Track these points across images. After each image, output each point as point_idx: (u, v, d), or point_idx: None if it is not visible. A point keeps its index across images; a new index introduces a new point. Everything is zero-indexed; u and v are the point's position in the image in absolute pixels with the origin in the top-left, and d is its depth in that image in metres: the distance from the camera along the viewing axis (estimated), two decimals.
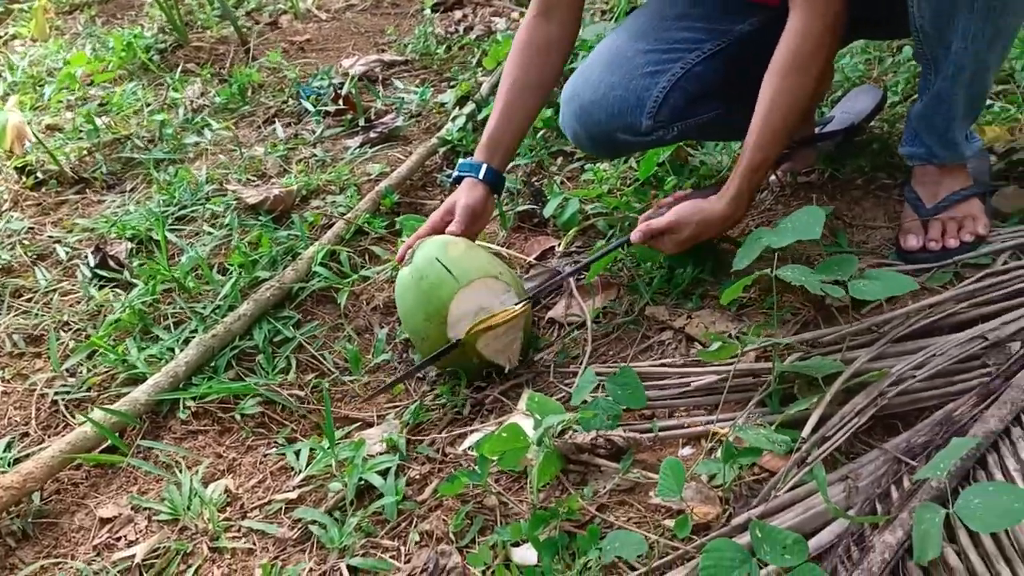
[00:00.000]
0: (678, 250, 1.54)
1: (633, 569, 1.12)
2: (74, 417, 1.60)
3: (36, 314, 1.88)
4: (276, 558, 1.28)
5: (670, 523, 1.17)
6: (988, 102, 1.99)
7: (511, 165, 2.19)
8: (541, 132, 2.31)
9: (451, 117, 2.49)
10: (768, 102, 1.42)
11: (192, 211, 2.20)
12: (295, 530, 1.32)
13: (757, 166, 1.46)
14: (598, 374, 1.43)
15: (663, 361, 1.48)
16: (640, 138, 1.61)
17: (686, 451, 1.31)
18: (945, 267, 1.50)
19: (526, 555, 1.18)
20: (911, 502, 1.07)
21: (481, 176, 1.67)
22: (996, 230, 1.54)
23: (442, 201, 2.14)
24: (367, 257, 1.98)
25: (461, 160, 1.74)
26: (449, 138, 2.38)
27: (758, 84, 1.59)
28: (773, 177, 1.88)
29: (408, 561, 1.22)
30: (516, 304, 1.51)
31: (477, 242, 1.69)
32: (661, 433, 1.32)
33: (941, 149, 1.50)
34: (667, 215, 1.50)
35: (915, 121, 1.50)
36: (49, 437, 1.57)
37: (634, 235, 1.52)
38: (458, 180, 1.71)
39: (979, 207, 1.53)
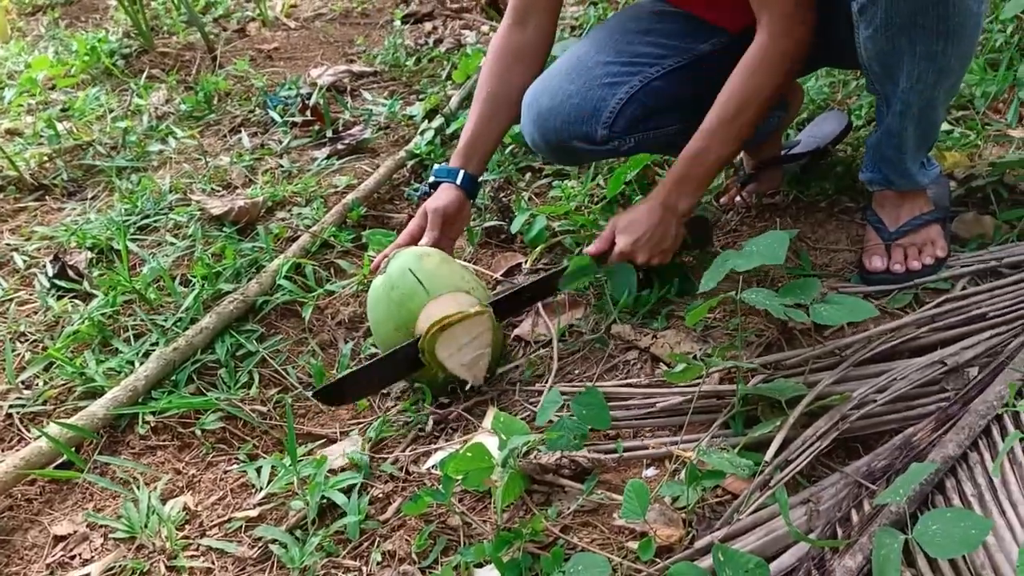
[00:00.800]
0: (633, 245, 1.54)
1: None
2: (29, 431, 1.56)
3: None
4: None
5: (633, 545, 1.17)
6: (948, 128, 2.03)
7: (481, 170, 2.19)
8: (509, 147, 2.31)
9: (419, 130, 2.49)
10: (725, 97, 1.46)
11: (154, 221, 2.17)
12: (255, 549, 1.30)
13: (696, 153, 1.49)
14: (563, 393, 1.42)
15: (628, 381, 1.49)
16: (596, 147, 1.62)
17: (650, 472, 1.31)
18: (906, 290, 1.52)
19: None
20: (871, 526, 1.08)
21: (458, 181, 1.69)
22: (955, 255, 1.57)
23: (409, 215, 2.15)
24: (333, 271, 1.96)
25: (437, 166, 1.75)
26: (417, 151, 2.38)
27: None
28: (739, 198, 1.90)
29: None
30: (479, 311, 1.49)
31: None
32: (625, 454, 1.32)
33: (897, 178, 1.53)
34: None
35: (872, 151, 1.54)
36: (3, 451, 1.53)
37: (589, 248, 1.58)
38: (434, 186, 1.71)
39: (939, 231, 1.56)
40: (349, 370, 1.56)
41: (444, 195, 1.68)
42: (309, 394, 1.58)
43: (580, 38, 2.78)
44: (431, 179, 1.73)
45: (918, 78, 1.36)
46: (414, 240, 1.66)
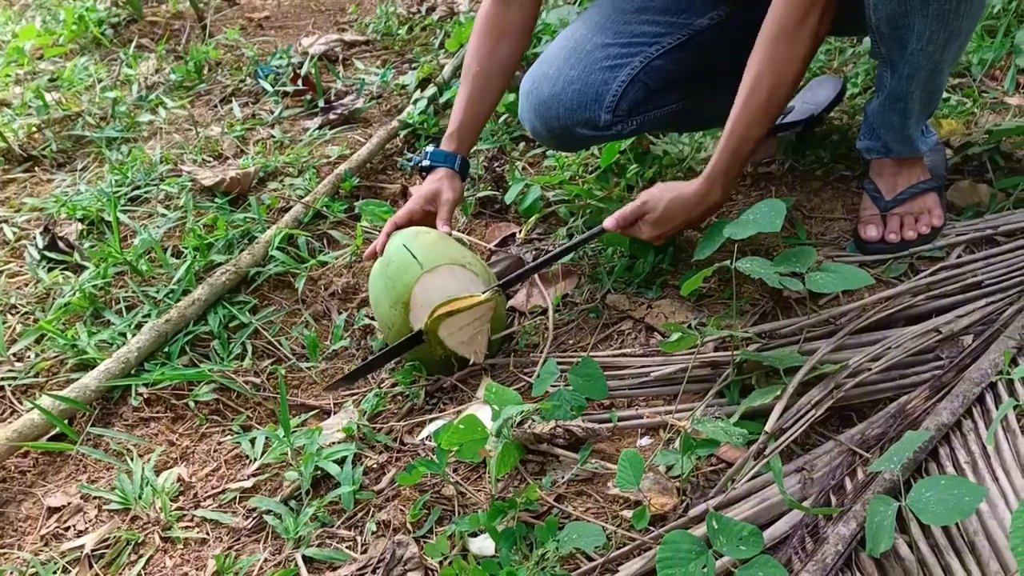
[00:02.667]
0: (657, 233, 1.47)
1: (590, 559, 1.12)
2: (21, 403, 1.56)
3: None
4: (230, 548, 1.26)
5: (627, 513, 1.18)
6: (945, 95, 2.01)
7: (471, 150, 2.18)
8: (503, 117, 2.29)
9: (412, 100, 2.47)
10: (754, 76, 1.37)
11: (145, 192, 2.15)
12: (250, 520, 1.31)
13: (739, 144, 1.40)
14: (559, 364, 1.42)
15: (623, 351, 1.48)
16: (599, 132, 1.60)
17: (644, 441, 1.31)
18: (901, 258, 1.52)
19: (484, 545, 1.17)
20: (865, 494, 1.08)
21: (457, 167, 1.66)
22: (951, 224, 1.57)
23: (403, 186, 2.13)
24: (326, 241, 1.95)
25: (432, 148, 1.70)
26: (410, 121, 2.36)
27: (717, 78, 1.59)
28: None
29: (365, 551, 1.21)
30: (483, 292, 1.48)
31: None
32: (620, 423, 1.32)
33: (898, 144, 1.51)
34: (637, 198, 1.48)
35: (872, 117, 1.52)
36: None
37: (607, 222, 1.49)
38: (427, 170, 1.69)
39: (935, 200, 1.55)
40: (360, 365, 1.55)
41: (452, 185, 1.65)
42: (322, 388, 1.58)
43: (577, 8, 2.76)
44: (426, 162, 1.69)
45: (928, 39, 1.34)
46: (413, 219, 1.64)
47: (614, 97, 1.55)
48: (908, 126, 1.48)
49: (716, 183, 1.43)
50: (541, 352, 1.50)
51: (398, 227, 1.61)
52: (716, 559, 1.02)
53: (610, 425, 1.31)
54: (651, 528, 1.14)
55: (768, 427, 1.21)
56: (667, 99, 1.62)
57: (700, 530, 1.08)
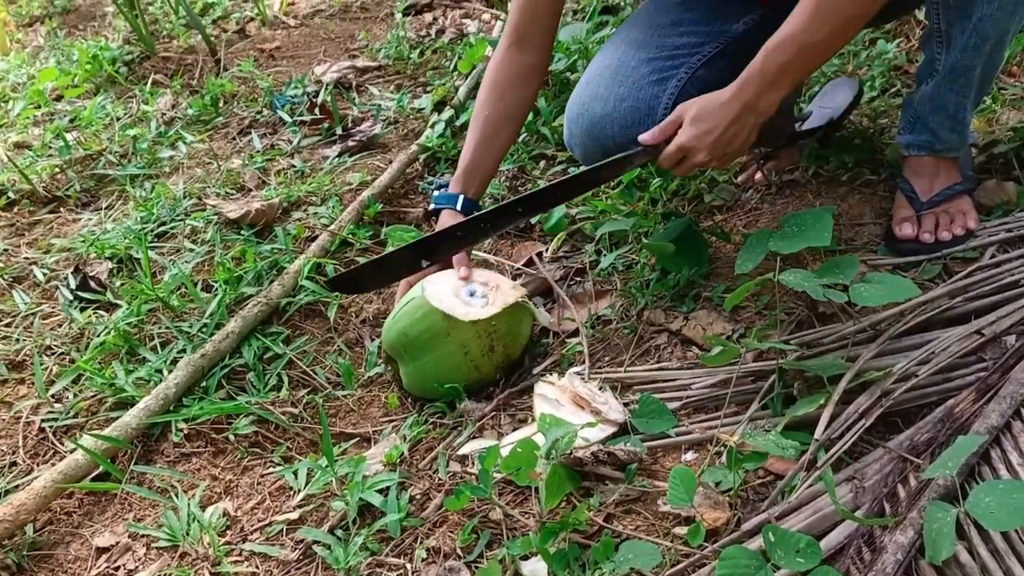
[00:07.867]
0: (696, 140, 1.37)
1: None
2: (63, 444, 1.57)
3: (16, 339, 1.83)
4: None
5: (679, 530, 1.17)
6: None
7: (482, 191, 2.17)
8: (522, 137, 2.29)
9: (430, 123, 2.48)
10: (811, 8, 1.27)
11: (171, 227, 2.16)
12: (297, 551, 1.31)
13: (779, 43, 1.30)
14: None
15: (661, 365, 1.48)
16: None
17: (689, 456, 1.31)
18: (934, 260, 1.51)
19: (536, 568, 1.17)
20: (919, 501, 1.08)
21: (458, 207, 1.65)
22: (982, 224, 1.56)
23: (426, 210, 2.14)
24: None
25: (436, 192, 1.70)
26: (429, 144, 2.37)
27: None
28: (759, 175, 1.89)
29: None
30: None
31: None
32: (663, 440, 1.32)
33: (947, 132, 1.49)
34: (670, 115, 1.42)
35: (920, 105, 1.49)
36: (38, 466, 1.53)
37: (643, 136, 1.42)
38: (435, 213, 1.69)
39: (969, 203, 1.55)
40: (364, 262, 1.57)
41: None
42: (322, 282, 1.64)
43: (587, 24, 2.77)
44: (431, 206, 1.69)
45: (999, 5, 1.33)
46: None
47: (665, 110, 1.51)
48: (964, 107, 1.46)
49: (750, 84, 1.33)
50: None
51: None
52: (774, 572, 1.02)
53: (649, 445, 1.31)
54: (704, 544, 1.13)
55: (817, 435, 1.20)
56: None
57: (755, 543, 1.07)
